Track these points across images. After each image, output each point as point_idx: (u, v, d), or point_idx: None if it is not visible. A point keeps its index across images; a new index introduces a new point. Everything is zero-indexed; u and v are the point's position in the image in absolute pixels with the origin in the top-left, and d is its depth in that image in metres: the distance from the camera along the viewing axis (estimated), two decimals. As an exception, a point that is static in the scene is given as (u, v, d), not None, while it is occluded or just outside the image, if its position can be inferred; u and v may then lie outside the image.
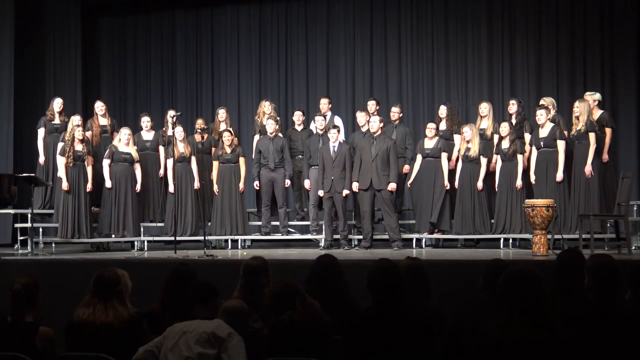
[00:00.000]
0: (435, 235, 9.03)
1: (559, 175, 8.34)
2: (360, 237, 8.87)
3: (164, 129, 9.65)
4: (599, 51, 10.28)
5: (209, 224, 9.25)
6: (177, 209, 8.91)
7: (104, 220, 9.13)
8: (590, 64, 10.33)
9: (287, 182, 9.35)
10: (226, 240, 9.33)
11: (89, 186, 9.02)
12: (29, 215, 8.66)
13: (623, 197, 7.82)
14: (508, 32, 10.72)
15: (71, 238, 8.89)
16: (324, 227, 8.93)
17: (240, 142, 10.01)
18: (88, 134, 9.34)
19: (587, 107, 8.36)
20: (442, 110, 9.41)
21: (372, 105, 9.50)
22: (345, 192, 8.72)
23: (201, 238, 8.41)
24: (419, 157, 8.99)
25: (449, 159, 8.98)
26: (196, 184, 9.23)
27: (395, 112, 9.50)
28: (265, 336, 3.81)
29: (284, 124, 10.23)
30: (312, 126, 9.73)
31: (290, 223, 9.67)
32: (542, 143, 8.43)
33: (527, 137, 8.81)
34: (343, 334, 3.69)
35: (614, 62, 10.22)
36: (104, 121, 9.74)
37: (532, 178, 8.52)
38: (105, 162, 9.13)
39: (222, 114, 9.86)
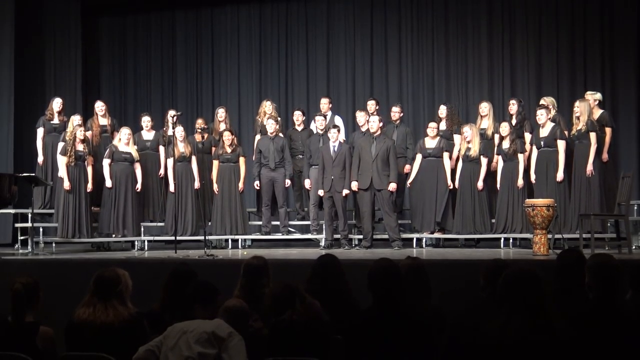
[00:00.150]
0: (436, 235, 9.03)
1: (559, 175, 8.34)
2: (361, 236, 8.87)
3: (164, 128, 9.65)
4: (599, 51, 10.28)
5: (209, 223, 9.25)
6: (177, 209, 8.91)
7: (104, 220, 9.13)
8: (590, 64, 10.33)
9: (288, 181, 9.35)
10: (226, 240, 9.33)
11: (90, 186, 9.02)
12: (29, 215, 8.66)
13: (623, 196, 7.82)
14: (508, 32, 10.72)
15: (71, 238, 8.88)
16: (324, 227, 8.93)
17: (240, 142, 10.02)
18: (88, 133, 9.34)
19: (588, 107, 8.36)
20: (442, 110, 9.41)
21: (371, 105, 9.50)
22: (345, 191, 8.72)
23: (201, 238, 8.41)
24: (419, 157, 8.99)
25: (451, 158, 8.98)
26: (196, 184, 9.23)
27: (395, 112, 9.50)
28: (265, 336, 3.81)
29: (284, 124, 10.23)
30: (313, 126, 9.73)
31: (291, 223, 9.67)
32: (542, 143, 8.43)
33: (528, 136, 8.81)
34: (343, 334, 3.69)
35: (614, 62, 10.23)
36: (104, 121, 9.74)
37: (533, 177, 8.53)
38: (106, 162, 9.13)
39: (221, 113, 9.86)
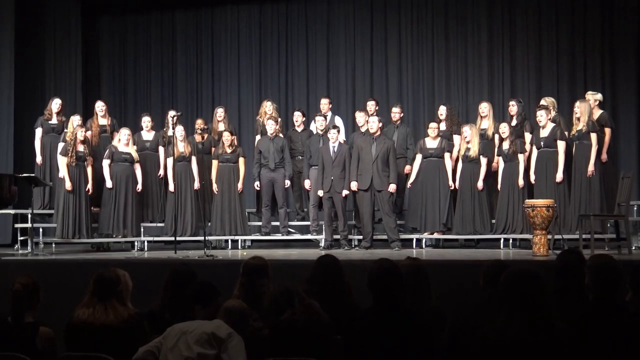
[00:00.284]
0: (436, 236, 9.03)
1: (559, 176, 8.34)
2: (360, 237, 8.87)
3: (164, 129, 9.65)
4: (599, 51, 10.29)
5: (209, 224, 9.24)
6: (177, 209, 8.91)
7: (104, 220, 9.12)
8: (590, 64, 10.33)
9: (287, 182, 9.35)
10: (226, 241, 9.32)
11: (89, 187, 9.02)
12: (29, 216, 8.66)
13: (623, 197, 7.82)
14: (508, 32, 10.72)
15: (71, 238, 8.88)
16: (324, 228, 8.93)
17: (240, 142, 10.02)
18: (88, 134, 9.33)
19: (588, 107, 8.36)
20: (442, 111, 9.41)
21: (371, 105, 9.50)
22: (345, 192, 8.72)
23: (201, 238, 8.41)
24: (419, 157, 8.99)
25: (451, 158, 8.98)
26: (196, 185, 9.22)
27: (396, 113, 9.50)
28: (265, 336, 3.81)
29: (284, 125, 10.23)
30: (313, 126, 9.73)
31: (291, 223, 9.67)
32: (542, 143, 8.43)
33: (528, 136, 8.81)
34: (343, 334, 3.69)
35: (614, 62, 10.23)
36: (103, 121, 9.74)
37: (532, 178, 8.53)
38: (105, 162, 9.12)
39: (220, 113, 9.87)
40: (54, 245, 9.08)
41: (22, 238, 9.14)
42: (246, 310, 3.77)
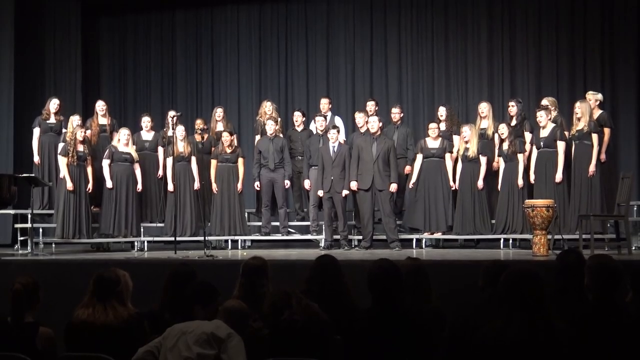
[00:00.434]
0: (436, 236, 9.03)
1: (558, 176, 8.34)
2: (360, 237, 8.87)
3: (164, 129, 9.65)
4: (599, 51, 10.28)
5: (209, 224, 9.24)
6: (176, 209, 8.91)
7: (105, 220, 9.11)
8: (590, 64, 10.33)
9: (287, 182, 9.35)
10: (226, 241, 9.33)
11: (90, 186, 9.02)
12: (29, 216, 8.65)
13: (623, 197, 7.82)
14: (508, 32, 10.72)
15: (72, 238, 8.88)
16: (324, 228, 8.93)
17: (240, 142, 10.02)
18: (88, 133, 9.34)
19: (589, 107, 8.37)
20: (442, 112, 9.41)
21: (371, 105, 9.50)
22: (345, 192, 8.72)
23: (201, 238, 8.41)
24: (420, 157, 8.98)
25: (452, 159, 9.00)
26: (196, 185, 9.22)
27: (395, 113, 9.50)
28: (265, 336, 3.81)
29: (284, 125, 10.23)
30: (312, 126, 9.73)
31: (290, 223, 9.67)
32: (542, 143, 8.44)
33: (528, 136, 8.81)
34: (343, 334, 3.69)
35: (614, 62, 10.22)
36: (103, 121, 9.74)
37: (532, 177, 8.53)
38: (105, 163, 9.12)
39: (219, 113, 9.88)
40: (54, 245, 9.08)
41: (22, 238, 9.14)
42: (246, 310, 3.77)
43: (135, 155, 9.24)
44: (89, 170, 9.06)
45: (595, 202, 8.20)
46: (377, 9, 11.32)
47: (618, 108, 10.08)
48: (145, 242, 9.26)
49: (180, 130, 9.18)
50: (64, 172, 8.82)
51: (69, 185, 8.77)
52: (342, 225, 8.74)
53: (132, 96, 12.19)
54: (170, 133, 9.20)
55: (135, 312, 3.97)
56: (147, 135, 9.62)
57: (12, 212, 9.24)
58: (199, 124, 9.55)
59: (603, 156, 8.46)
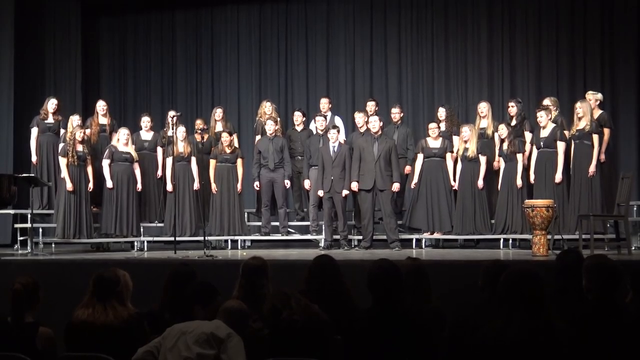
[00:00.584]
0: (436, 236, 9.03)
1: (558, 177, 8.34)
2: (360, 237, 8.86)
3: (164, 129, 9.65)
4: (599, 51, 10.28)
5: (208, 224, 9.24)
6: (176, 209, 8.90)
7: (106, 220, 9.11)
8: (590, 64, 10.33)
9: (287, 182, 9.35)
10: (226, 241, 9.33)
11: (90, 186, 9.02)
12: (29, 216, 8.65)
13: (623, 197, 7.82)
14: (508, 32, 10.72)
15: (73, 238, 8.88)
16: (323, 228, 8.93)
17: (240, 142, 10.02)
18: (87, 132, 9.34)
19: (590, 107, 8.37)
20: (441, 112, 9.40)
21: (371, 105, 9.49)
22: (345, 192, 8.72)
23: (201, 238, 8.41)
24: (420, 157, 8.98)
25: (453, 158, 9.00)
26: (196, 185, 9.22)
27: (395, 113, 9.50)
28: (265, 336, 3.81)
29: (284, 124, 10.23)
30: (312, 126, 9.73)
31: (290, 223, 9.67)
32: (542, 143, 8.43)
33: (528, 136, 8.80)
34: (343, 334, 3.69)
35: (614, 62, 10.23)
36: (104, 120, 9.74)
37: (532, 177, 8.53)
38: (105, 163, 9.12)
39: (219, 113, 9.88)
40: (53, 245, 9.07)
41: (22, 238, 9.13)
42: (246, 310, 3.77)
43: (135, 154, 9.25)
44: (89, 170, 9.06)
45: (595, 202, 8.20)
46: (377, 9, 11.32)
47: (618, 108, 10.08)
48: (145, 242, 9.26)
49: (181, 130, 9.18)
50: (64, 172, 8.83)
51: (69, 186, 8.77)
52: (342, 225, 8.74)
53: (132, 96, 12.19)
54: (170, 133, 9.20)
55: (135, 312, 3.97)
56: (146, 135, 9.62)
57: (12, 212, 9.24)
58: (199, 124, 9.56)
59: (603, 156, 8.46)
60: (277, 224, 9.48)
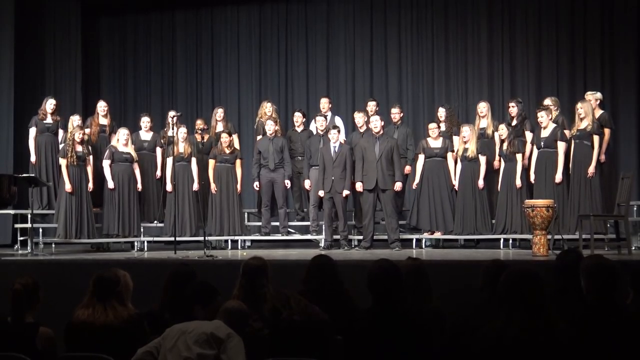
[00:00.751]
0: (436, 236, 9.03)
1: (558, 177, 8.34)
2: (360, 237, 8.86)
3: (164, 129, 9.65)
4: (599, 51, 10.28)
5: (207, 224, 9.23)
6: (176, 210, 8.90)
7: (109, 221, 9.10)
8: (590, 64, 10.33)
9: (287, 182, 9.35)
10: (226, 241, 9.33)
11: (90, 185, 9.02)
12: (29, 216, 8.65)
13: (623, 197, 7.82)
14: (508, 32, 10.72)
15: (74, 238, 8.88)
16: (324, 228, 8.93)
17: (240, 142, 10.02)
18: (87, 131, 9.34)
19: (591, 107, 8.38)
20: (441, 112, 9.40)
21: (372, 105, 9.48)
22: (346, 192, 8.71)
23: (201, 238, 8.41)
24: (422, 158, 8.97)
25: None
26: (195, 186, 9.22)
27: (395, 113, 9.49)
28: (265, 336, 3.81)
29: (284, 125, 10.22)
30: (312, 126, 9.73)
31: (290, 223, 9.67)
32: (542, 143, 8.43)
33: (529, 135, 8.80)
34: (343, 334, 3.69)
35: (614, 62, 10.22)
36: (104, 121, 9.74)
37: (532, 177, 8.53)
38: (106, 163, 9.11)
39: (220, 113, 9.87)
40: (53, 245, 9.07)
41: (22, 238, 9.13)
42: (246, 310, 3.77)
43: (134, 154, 9.25)
44: (89, 170, 9.06)
45: (595, 202, 8.19)
46: (377, 9, 11.32)
47: (618, 108, 10.08)
48: (145, 242, 9.26)
49: (182, 131, 9.19)
50: (64, 173, 8.82)
51: (68, 187, 8.77)
52: (342, 225, 8.74)
53: (132, 96, 12.20)
54: (170, 133, 9.20)
55: (135, 312, 3.97)
56: (145, 135, 9.62)
57: (12, 212, 9.24)
58: (199, 124, 9.56)
59: (603, 157, 8.46)
60: (277, 224, 9.47)
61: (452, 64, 10.94)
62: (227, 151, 9.29)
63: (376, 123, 8.74)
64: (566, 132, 8.47)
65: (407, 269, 4.09)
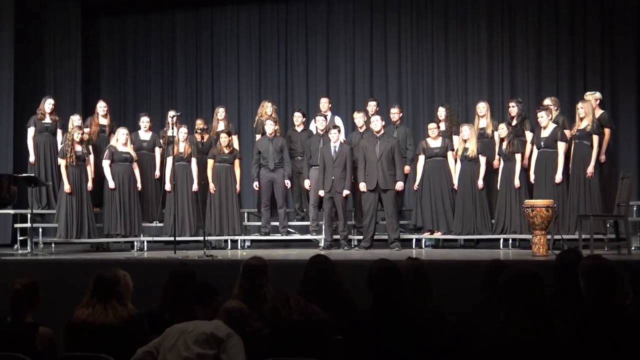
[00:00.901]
0: (436, 236, 9.03)
1: (558, 177, 8.34)
2: (360, 237, 8.86)
3: (164, 129, 9.65)
4: (599, 51, 10.28)
5: (206, 224, 9.23)
6: (176, 209, 8.90)
7: (110, 221, 9.10)
8: (590, 64, 10.32)
9: (287, 182, 9.35)
10: (226, 241, 9.33)
11: (90, 185, 9.02)
12: (29, 216, 8.65)
13: (623, 197, 7.82)
14: (508, 32, 10.71)
15: (75, 238, 8.88)
16: (323, 228, 8.93)
17: (240, 141, 10.01)
18: (87, 130, 9.33)
19: (591, 107, 8.38)
20: (441, 112, 9.40)
21: (372, 105, 9.48)
22: (346, 192, 8.71)
23: (201, 238, 8.41)
24: (422, 158, 8.96)
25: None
26: (195, 186, 9.22)
27: (394, 113, 9.49)
28: (265, 336, 3.81)
29: (284, 124, 10.21)
30: (312, 126, 9.73)
31: (290, 223, 9.67)
32: (542, 143, 8.43)
33: (529, 135, 8.80)
34: (343, 334, 3.69)
35: (614, 62, 10.22)
36: (104, 121, 9.74)
37: (532, 177, 8.53)
38: (106, 163, 9.11)
39: (221, 112, 9.87)
40: (53, 245, 9.07)
41: (21, 238, 9.14)
42: (246, 310, 3.77)
43: (134, 154, 9.25)
44: (89, 170, 9.05)
45: (594, 202, 8.20)
46: (377, 9, 11.32)
47: (618, 108, 10.08)
48: (145, 242, 9.26)
49: (183, 131, 9.19)
50: (63, 174, 8.82)
51: (67, 188, 8.77)
52: (342, 225, 8.74)
53: (132, 96, 12.19)
54: (170, 133, 9.20)
55: (135, 312, 3.97)
56: (145, 135, 9.62)
57: (12, 212, 9.24)
58: (199, 124, 9.56)
59: (603, 157, 8.46)
60: (277, 224, 9.47)
61: (452, 64, 10.94)
62: (226, 151, 9.29)
63: (377, 123, 8.74)
64: (566, 132, 8.47)
65: (407, 269, 4.09)
